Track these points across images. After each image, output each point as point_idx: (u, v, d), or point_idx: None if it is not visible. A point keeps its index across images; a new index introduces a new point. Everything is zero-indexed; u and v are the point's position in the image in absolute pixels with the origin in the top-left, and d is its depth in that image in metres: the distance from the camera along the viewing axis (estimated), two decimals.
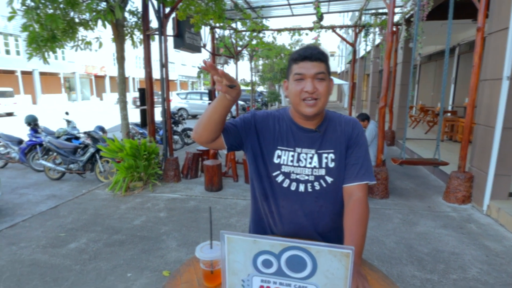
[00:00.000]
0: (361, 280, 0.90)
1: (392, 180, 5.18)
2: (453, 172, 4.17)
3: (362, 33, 8.59)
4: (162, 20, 4.85)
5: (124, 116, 5.26)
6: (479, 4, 3.65)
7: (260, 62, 17.79)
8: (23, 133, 7.22)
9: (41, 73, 25.58)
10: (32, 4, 4.08)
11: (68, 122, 6.47)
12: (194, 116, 16.80)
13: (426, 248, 3.04)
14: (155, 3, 4.80)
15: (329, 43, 35.01)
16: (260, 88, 25.70)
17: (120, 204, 4.20)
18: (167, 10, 4.92)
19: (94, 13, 4.46)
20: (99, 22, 4.49)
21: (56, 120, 13.83)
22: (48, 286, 2.48)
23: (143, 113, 5.40)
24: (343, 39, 8.61)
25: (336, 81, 22.47)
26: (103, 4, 4.66)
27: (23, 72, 24.10)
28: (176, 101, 16.67)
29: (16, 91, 21.63)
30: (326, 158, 1.16)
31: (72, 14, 4.69)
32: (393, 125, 8.54)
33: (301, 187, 1.16)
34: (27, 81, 24.73)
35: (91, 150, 5.27)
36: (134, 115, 7.70)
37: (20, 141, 6.13)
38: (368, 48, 10.53)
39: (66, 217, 3.81)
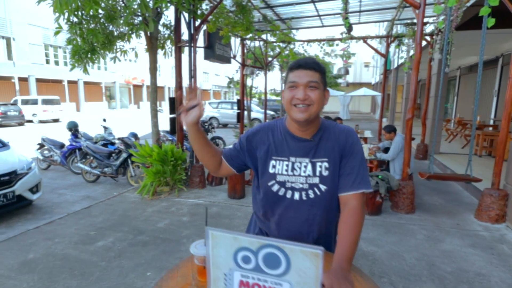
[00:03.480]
0: (346, 285, 0.91)
1: (421, 195, 4.97)
2: (486, 189, 3.93)
3: (394, 44, 8.41)
4: (192, 33, 5.09)
5: (155, 124, 5.53)
6: None
7: None
8: (66, 138, 7.81)
9: (85, 82, 27.57)
10: (76, 20, 4.49)
11: (105, 128, 6.89)
12: (225, 125, 17.08)
13: (449, 267, 2.89)
14: (187, 16, 5.07)
15: (364, 54, 34.28)
16: None
17: (146, 207, 4.41)
18: (198, 22, 5.17)
19: (131, 26, 4.81)
20: (137, 34, 4.83)
21: (96, 126, 14.75)
22: (76, 279, 2.67)
23: (173, 121, 5.64)
24: (374, 49, 8.46)
25: (370, 92, 22.03)
26: (139, 19, 5.00)
27: (69, 82, 26.12)
28: (208, 110, 17.18)
29: (62, 99, 23.35)
30: (320, 166, 1.18)
31: (111, 27, 5.09)
32: (426, 138, 8.20)
33: (296, 195, 1.20)
34: (72, 90, 26.75)
35: (124, 155, 5.58)
36: (166, 123, 8.06)
37: (62, 145, 6.60)
38: (401, 59, 10.25)
39: (97, 217, 4.07)
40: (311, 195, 1.19)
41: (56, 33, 4.52)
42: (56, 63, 25.24)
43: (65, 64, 25.55)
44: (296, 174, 1.19)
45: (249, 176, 5.68)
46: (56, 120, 19.47)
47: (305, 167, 1.18)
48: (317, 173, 1.18)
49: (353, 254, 1.05)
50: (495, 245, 3.35)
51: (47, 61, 24.52)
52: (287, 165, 1.19)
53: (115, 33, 5.24)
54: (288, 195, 1.20)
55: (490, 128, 8.57)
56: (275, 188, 1.21)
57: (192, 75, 5.12)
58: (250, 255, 0.79)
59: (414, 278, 2.72)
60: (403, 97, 12.25)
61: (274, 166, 1.21)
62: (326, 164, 1.18)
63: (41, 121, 18.67)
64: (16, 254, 3.08)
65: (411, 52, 8.45)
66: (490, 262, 2.99)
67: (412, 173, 4.56)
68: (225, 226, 3.77)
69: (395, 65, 13.89)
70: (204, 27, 5.53)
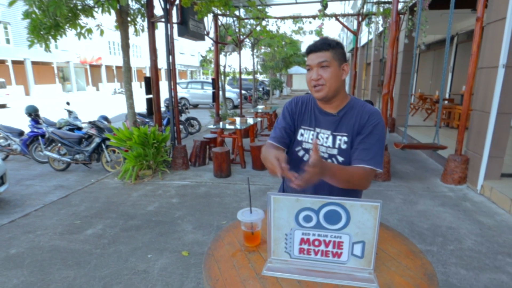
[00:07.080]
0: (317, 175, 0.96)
1: (394, 164, 5.39)
2: (450, 155, 4.37)
3: (365, 22, 8.63)
4: (168, 6, 4.83)
5: (131, 105, 5.26)
6: None
7: (262, 50, 17.73)
8: (21, 124, 7.21)
9: (33, 63, 24.54)
10: None
11: (70, 112, 6.40)
12: (196, 106, 16.65)
13: (426, 224, 3.27)
14: None
15: (330, 31, 34.72)
16: (261, 77, 25.77)
17: (131, 192, 4.32)
18: None
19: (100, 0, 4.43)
20: (104, 8, 4.44)
21: (52, 111, 13.74)
22: (71, 269, 2.57)
23: (149, 102, 5.42)
24: (346, 27, 8.64)
25: None
26: None
27: (14, 62, 23.09)
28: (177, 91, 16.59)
29: (7, 82, 20.81)
30: (340, 140, 1.29)
31: (75, 0, 4.65)
32: (393, 112, 8.70)
33: None
34: (19, 71, 23.82)
35: (97, 140, 5.30)
36: (140, 104, 7.69)
37: (21, 133, 6.07)
38: (371, 37, 10.53)
39: (79, 205, 3.90)
40: None
41: (11, 3, 4.02)
42: None
43: (7, 41, 22.36)
44: (319, 143, 1.32)
45: (232, 155, 5.73)
46: (3, 106, 17.49)
47: (327, 138, 1.30)
48: (336, 146, 1.29)
49: (345, 175, 1.13)
50: (460, 203, 3.81)
51: None
52: (312, 134, 1.33)
53: (80, 7, 4.79)
54: None
55: (446, 102, 9.27)
56: (301, 153, 1.35)
57: (170, 53, 4.94)
58: (312, 214, 0.88)
59: None
60: (371, 74, 12.71)
61: (302, 135, 1.36)
62: (345, 139, 1.28)
63: None
64: None
65: (380, 30, 8.76)
66: (458, 217, 3.42)
67: (387, 144, 4.89)
68: (217, 204, 3.84)
69: (361, 43, 14.28)
70: (177, 1, 5.27)
